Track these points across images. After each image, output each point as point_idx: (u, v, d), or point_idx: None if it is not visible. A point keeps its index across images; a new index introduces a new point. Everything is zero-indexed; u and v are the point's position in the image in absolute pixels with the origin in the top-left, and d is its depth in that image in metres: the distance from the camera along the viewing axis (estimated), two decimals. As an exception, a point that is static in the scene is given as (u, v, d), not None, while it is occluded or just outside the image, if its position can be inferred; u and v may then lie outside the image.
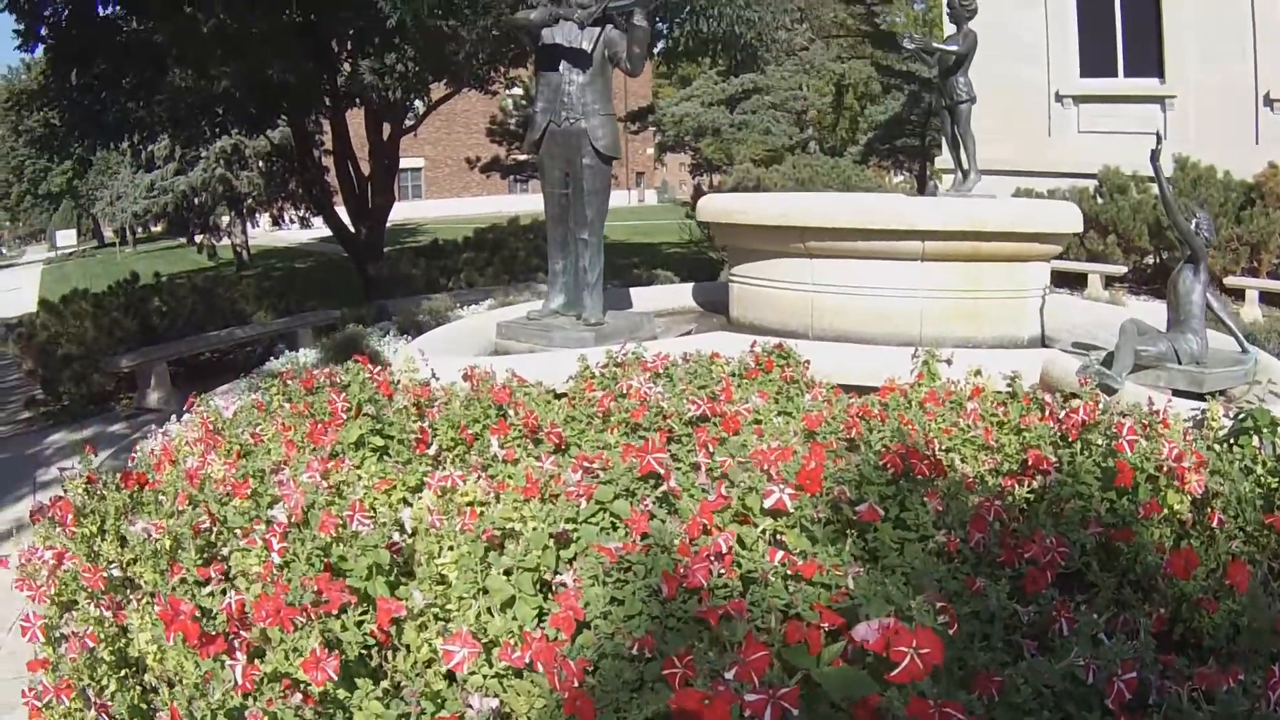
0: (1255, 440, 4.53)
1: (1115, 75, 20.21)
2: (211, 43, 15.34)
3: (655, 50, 14.96)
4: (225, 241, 35.43)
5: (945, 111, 9.00)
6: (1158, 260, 17.37)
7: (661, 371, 5.75)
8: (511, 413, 5.22)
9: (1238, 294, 15.52)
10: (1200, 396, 5.95)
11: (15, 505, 7.91)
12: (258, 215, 36.89)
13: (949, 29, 10.91)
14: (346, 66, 17.86)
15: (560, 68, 7.71)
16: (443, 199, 66.64)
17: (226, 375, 12.33)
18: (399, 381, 5.93)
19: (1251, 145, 17.86)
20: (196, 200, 33.69)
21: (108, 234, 68.56)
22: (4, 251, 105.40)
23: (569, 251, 7.95)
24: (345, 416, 5.20)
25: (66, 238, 72.36)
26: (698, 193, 26.36)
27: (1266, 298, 15.55)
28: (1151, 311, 12.09)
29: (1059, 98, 20.50)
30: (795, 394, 5.65)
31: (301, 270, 30.78)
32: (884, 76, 43.43)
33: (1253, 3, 18.12)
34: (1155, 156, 6.87)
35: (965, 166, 8.97)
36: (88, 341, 11.98)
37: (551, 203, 8.01)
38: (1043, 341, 8.21)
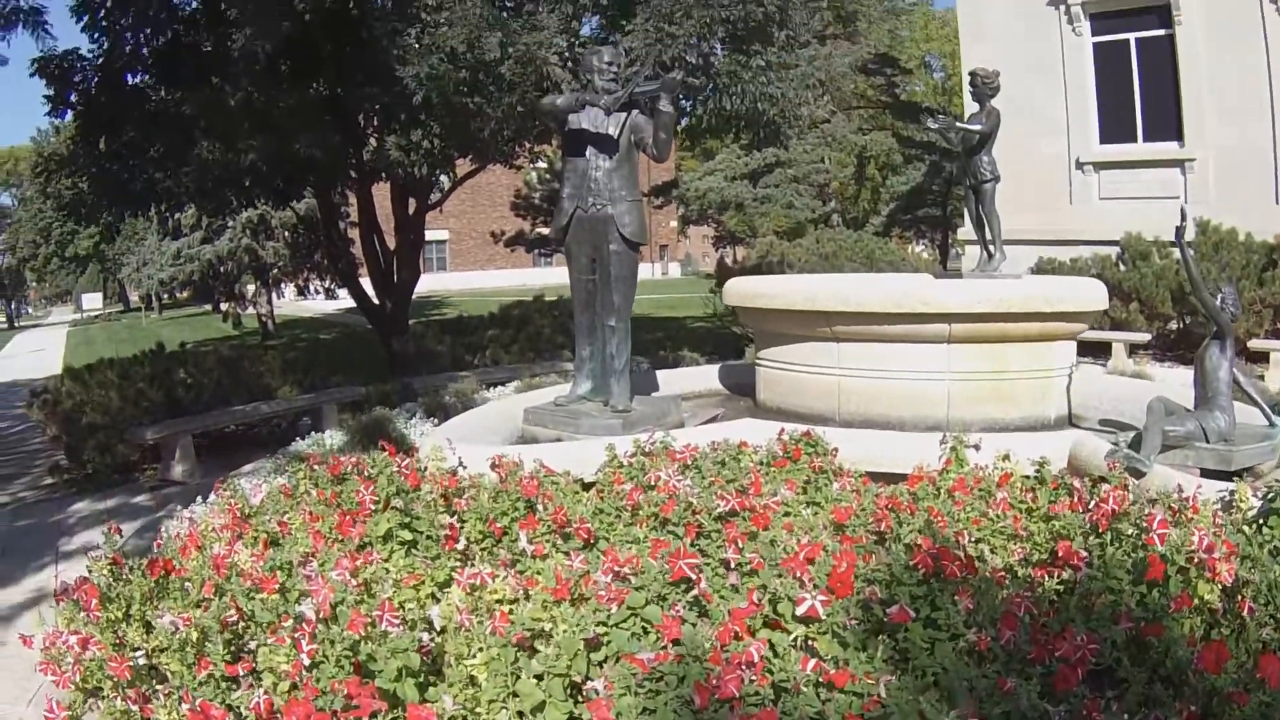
0: (1287, 519, 4.50)
1: (1135, 140, 20.31)
2: (239, 115, 15.48)
3: (679, 128, 15.07)
4: (250, 310, 35.58)
5: (970, 191, 8.94)
6: (1181, 325, 17.37)
7: (690, 463, 5.75)
8: (540, 507, 5.22)
9: (1262, 357, 15.45)
10: (1229, 474, 5.94)
11: (37, 574, 7.89)
12: (283, 285, 37.09)
13: (969, 103, 10.92)
14: (373, 141, 17.99)
15: (587, 153, 7.69)
16: (467, 271, 67.21)
17: (251, 449, 12.33)
18: (425, 469, 5.95)
19: (1272, 205, 17.93)
20: (222, 269, 33.88)
21: (133, 298, 69.27)
22: (30, 311, 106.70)
23: (596, 337, 7.90)
24: (373, 508, 5.22)
25: (92, 300, 73.25)
26: (721, 266, 26.47)
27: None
28: (1176, 379, 12.12)
29: (1079, 165, 20.56)
30: (824, 483, 5.65)
31: (326, 341, 30.81)
32: (905, 147, 43.72)
33: (1269, 62, 18.23)
34: (1180, 234, 6.87)
35: (990, 246, 8.92)
36: (112, 411, 11.94)
37: (578, 289, 7.97)
38: (1070, 420, 8.19)
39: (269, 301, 34.33)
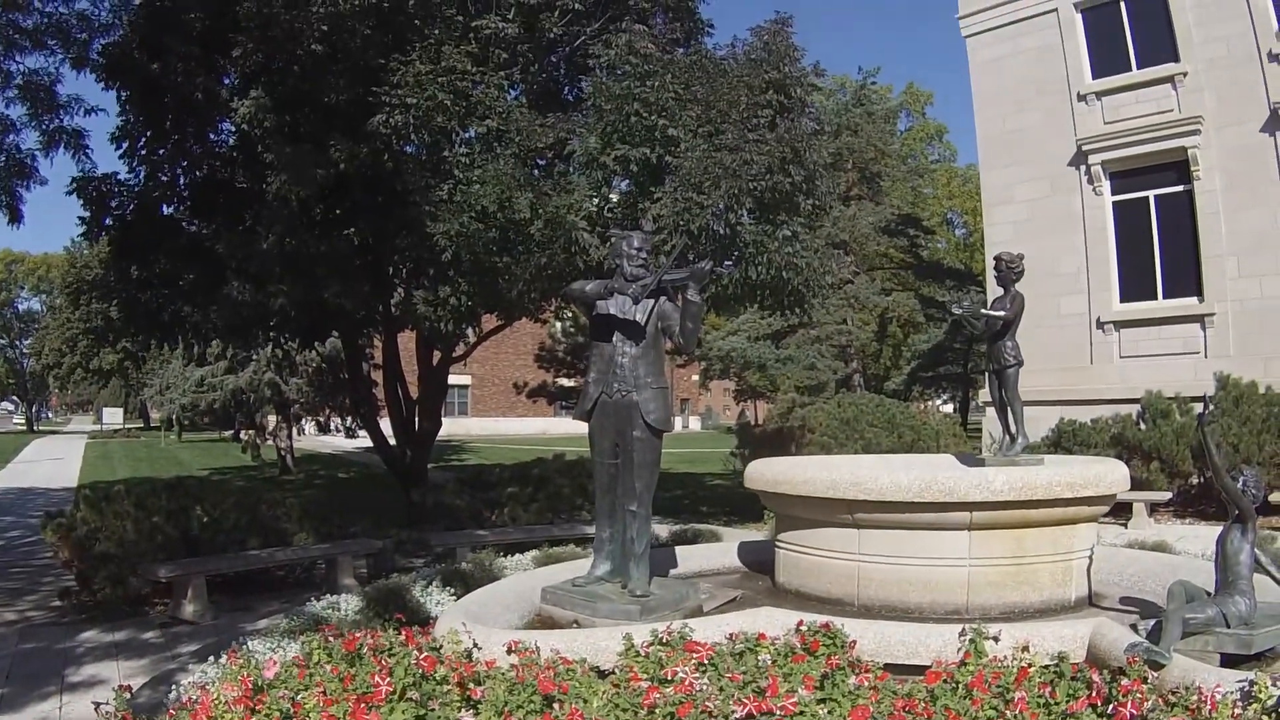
0: (1308, 707, 4.48)
1: (1155, 297, 20.56)
2: (270, 258, 15.77)
3: (705, 295, 15.29)
4: (270, 442, 35.72)
5: (993, 375, 8.84)
6: (1201, 480, 17.44)
7: (708, 661, 5.74)
8: (556, 707, 5.22)
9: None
10: (1250, 657, 6.01)
11: (41, 704, 7.89)
12: (304, 420, 37.27)
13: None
14: (400, 292, 18.25)
15: (614, 339, 7.73)
16: (488, 417, 67.96)
17: (265, 593, 12.43)
18: (441, 648, 5.98)
19: None
20: (244, 399, 34.14)
21: (154, 416, 69.96)
22: (50, 416, 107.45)
23: (616, 521, 7.85)
24: (388, 694, 5.26)
25: (113, 415, 74.27)
26: (743, 425, 26.62)
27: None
28: (1197, 542, 12.07)
29: (1100, 324, 20.76)
30: (840, 679, 5.63)
31: (344, 481, 30.92)
32: (926, 307, 44.34)
33: (1288, 212, 18.59)
34: (1203, 421, 6.91)
35: (1013, 430, 8.84)
36: (126, 543, 11.93)
37: (601, 472, 7.94)
38: (1090, 600, 8.13)
39: (289, 436, 34.48)
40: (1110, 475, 8.17)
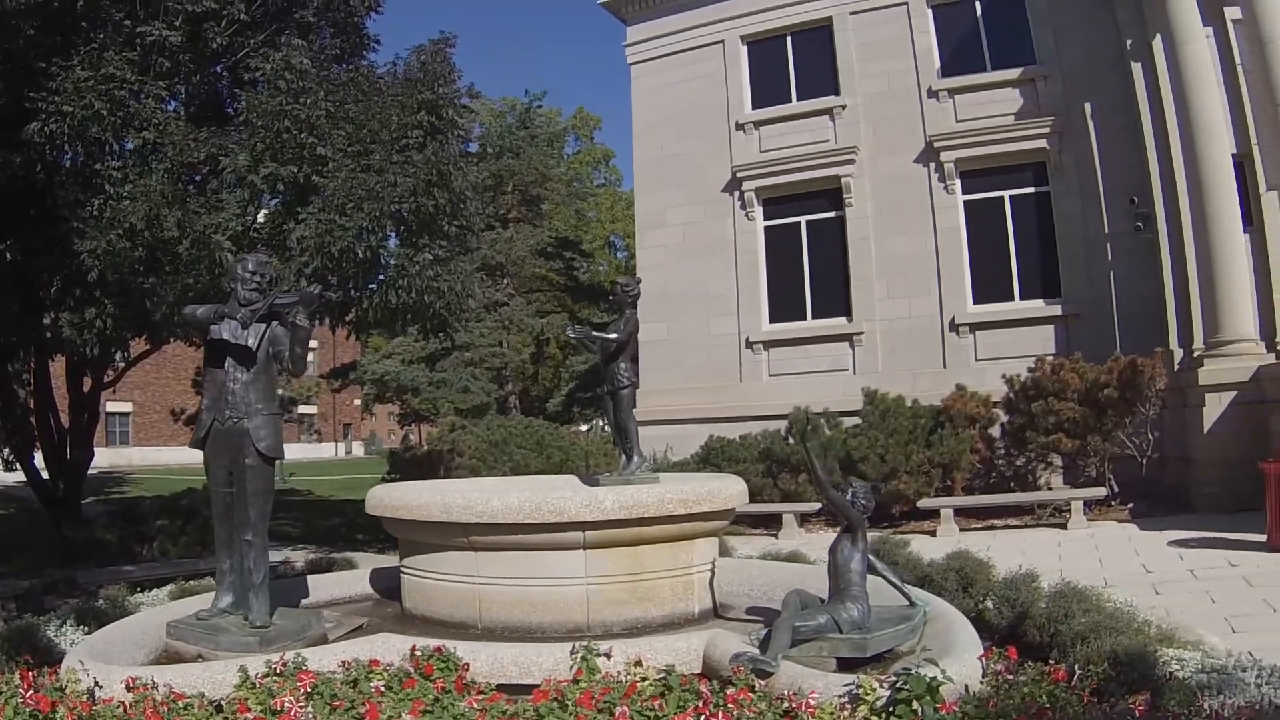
0: (915, 705, 4.84)
1: (804, 318, 21.45)
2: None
3: (346, 319, 15.14)
4: (-74, 476, 33.26)
5: (607, 396, 9.11)
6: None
7: (312, 691, 5.74)
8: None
9: (932, 514, 16.39)
10: (869, 660, 6.35)
11: None
12: (-42, 451, 34.90)
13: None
14: (51, 314, 17.40)
15: (226, 365, 7.63)
16: (151, 446, 64.77)
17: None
18: (65, 688, 5.85)
19: (940, 370, 19.37)
20: (-103, 424, 31.70)
21: None
22: None
23: (235, 550, 7.76)
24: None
25: None
26: (394, 455, 26.39)
27: (961, 513, 16.79)
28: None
29: (749, 344, 21.54)
30: (449, 702, 5.71)
31: (2, 518, 29.13)
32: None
33: (936, 239, 19.83)
34: (804, 437, 7.30)
35: (629, 450, 9.06)
36: None
37: (217, 501, 7.85)
38: (716, 612, 8.40)
39: (-56, 469, 32.20)
40: (725, 491, 8.47)
